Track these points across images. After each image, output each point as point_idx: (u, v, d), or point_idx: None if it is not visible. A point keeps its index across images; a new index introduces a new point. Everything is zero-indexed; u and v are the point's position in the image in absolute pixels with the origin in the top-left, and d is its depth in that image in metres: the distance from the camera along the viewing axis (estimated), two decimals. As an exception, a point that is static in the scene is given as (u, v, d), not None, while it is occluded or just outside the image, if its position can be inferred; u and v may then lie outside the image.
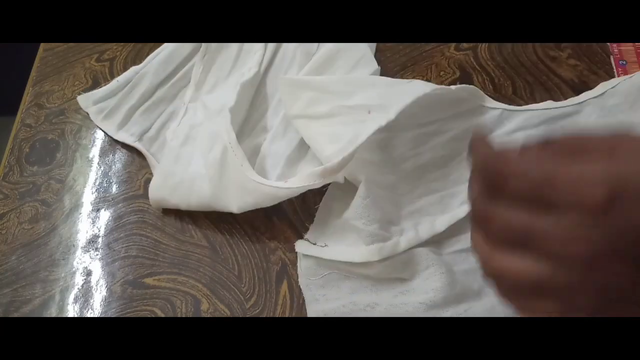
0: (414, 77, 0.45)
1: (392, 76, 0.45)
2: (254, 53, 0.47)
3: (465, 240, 0.36)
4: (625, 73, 0.42)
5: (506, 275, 0.22)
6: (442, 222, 0.37)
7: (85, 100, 0.49)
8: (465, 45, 0.46)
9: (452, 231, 0.37)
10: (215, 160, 0.39)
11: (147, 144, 0.45)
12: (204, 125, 0.43)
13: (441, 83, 0.44)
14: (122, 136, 0.46)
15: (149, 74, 0.48)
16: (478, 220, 0.24)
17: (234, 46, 0.48)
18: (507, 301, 0.23)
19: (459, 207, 0.37)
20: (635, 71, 0.42)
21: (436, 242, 0.36)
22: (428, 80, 0.44)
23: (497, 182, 0.22)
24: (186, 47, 0.49)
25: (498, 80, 0.43)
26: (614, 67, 0.43)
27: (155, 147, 0.45)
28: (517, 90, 0.43)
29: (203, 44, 0.48)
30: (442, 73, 0.45)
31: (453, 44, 0.46)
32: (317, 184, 0.35)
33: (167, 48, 0.49)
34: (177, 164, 0.42)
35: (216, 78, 0.47)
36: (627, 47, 0.44)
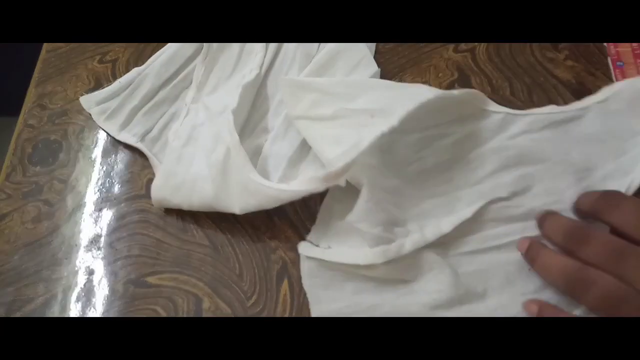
0: (412, 79, 0.45)
1: (391, 77, 0.45)
2: (255, 55, 0.47)
3: (471, 242, 0.36)
4: (623, 74, 0.42)
5: (600, 285, 0.30)
6: (448, 223, 0.36)
7: (87, 101, 0.49)
8: (463, 47, 0.46)
9: (459, 232, 0.36)
10: (217, 162, 0.39)
11: (149, 145, 0.45)
12: (206, 126, 0.44)
13: (439, 84, 0.44)
14: (124, 137, 0.46)
15: (151, 75, 0.48)
16: (577, 236, 0.32)
17: (235, 47, 0.48)
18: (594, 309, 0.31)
19: (465, 209, 0.37)
20: (632, 72, 0.42)
21: (442, 243, 0.36)
22: (426, 82, 0.44)
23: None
24: (188, 49, 0.49)
25: (496, 82, 0.44)
26: (611, 69, 0.43)
27: (158, 147, 0.45)
28: (514, 91, 0.43)
29: (205, 46, 0.48)
30: (440, 74, 0.45)
31: (451, 46, 0.46)
32: (319, 188, 0.35)
33: (169, 49, 0.49)
34: (179, 165, 0.42)
35: (217, 79, 0.47)
36: (625, 49, 0.44)
